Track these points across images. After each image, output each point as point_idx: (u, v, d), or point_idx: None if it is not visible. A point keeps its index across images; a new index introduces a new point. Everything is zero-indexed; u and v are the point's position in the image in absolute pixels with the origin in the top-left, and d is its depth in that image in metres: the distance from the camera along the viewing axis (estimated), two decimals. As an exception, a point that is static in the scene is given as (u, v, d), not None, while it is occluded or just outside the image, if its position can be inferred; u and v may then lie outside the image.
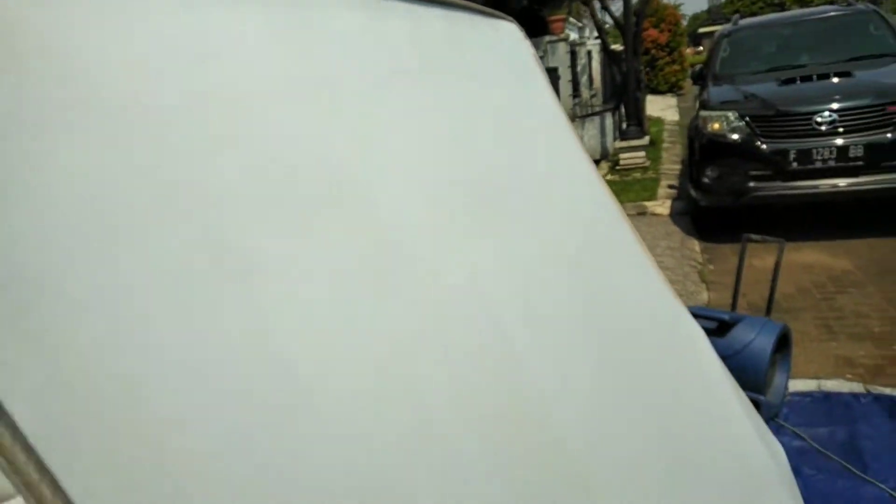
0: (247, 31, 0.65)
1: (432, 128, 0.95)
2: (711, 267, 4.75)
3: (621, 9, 7.77)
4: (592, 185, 1.72)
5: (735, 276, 3.08)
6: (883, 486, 2.26)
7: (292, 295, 0.54)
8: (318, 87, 0.72)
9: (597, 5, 9.22)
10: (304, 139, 0.64)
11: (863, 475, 2.34)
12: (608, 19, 9.18)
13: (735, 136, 4.94)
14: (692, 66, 19.21)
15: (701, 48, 33.31)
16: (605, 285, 1.43)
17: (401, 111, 0.88)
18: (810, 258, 4.53)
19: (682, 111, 14.40)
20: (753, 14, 13.71)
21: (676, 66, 18.07)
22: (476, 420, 0.67)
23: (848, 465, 2.41)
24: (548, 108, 1.76)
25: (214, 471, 0.42)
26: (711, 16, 41.19)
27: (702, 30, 37.21)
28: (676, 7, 19.53)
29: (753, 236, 3.02)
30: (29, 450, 0.35)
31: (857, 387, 2.91)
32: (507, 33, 1.69)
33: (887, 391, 2.83)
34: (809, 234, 4.77)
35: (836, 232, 4.89)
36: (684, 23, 21.82)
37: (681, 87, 18.12)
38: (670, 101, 16.60)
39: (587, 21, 13.09)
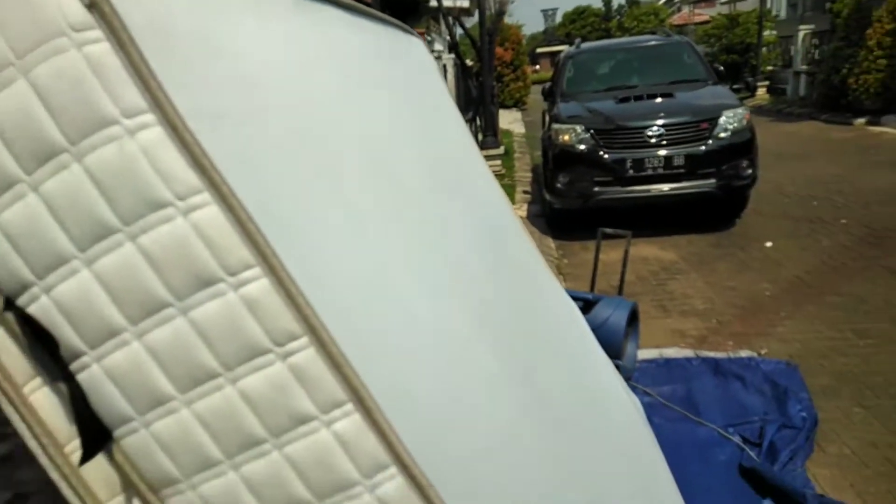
0: (308, 47, 0.88)
1: (408, 123, 1.21)
2: (566, 261, 5.35)
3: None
4: (489, 177, 2.05)
5: (593, 263, 3.59)
6: (713, 426, 2.82)
7: (383, 231, 0.78)
8: (350, 92, 0.96)
9: (451, 21, 9.78)
10: (362, 137, 0.88)
11: (698, 420, 2.88)
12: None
13: (582, 147, 5.60)
14: (534, 83, 20.72)
15: (538, 67, 35.83)
16: (515, 258, 1.75)
17: (392, 107, 1.12)
18: (645, 252, 5.27)
19: (527, 124, 15.52)
20: (584, 37, 15.15)
21: (520, 83, 19.42)
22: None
23: (687, 413, 2.95)
24: (453, 109, 2.07)
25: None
26: (547, 37, 44.47)
27: (539, 50, 40.08)
28: (518, 27, 20.99)
29: (607, 230, 3.55)
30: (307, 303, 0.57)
31: (689, 353, 3.52)
32: (418, 45, 1.98)
33: (711, 354, 3.47)
34: (643, 232, 5.53)
35: (664, 230, 5.71)
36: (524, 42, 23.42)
37: (524, 103, 19.49)
38: (516, 115, 17.82)
39: (436, 35, 13.70)
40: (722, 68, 6.95)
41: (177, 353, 0.59)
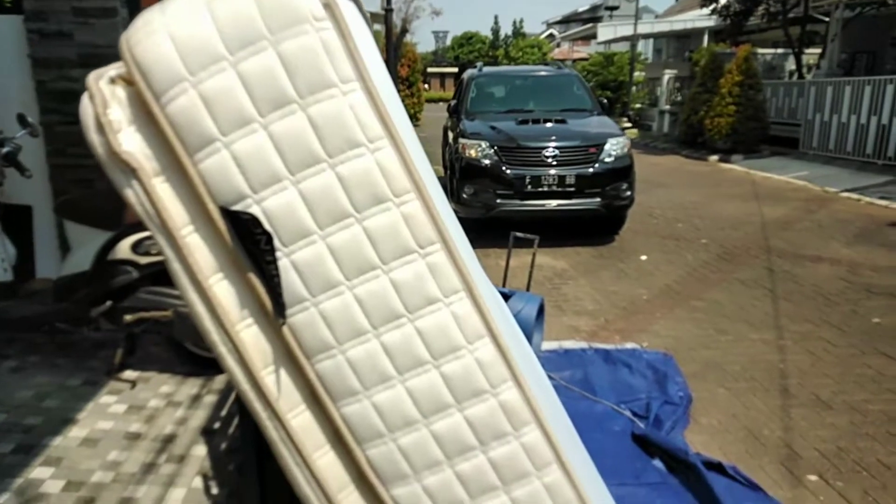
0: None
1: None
2: (470, 267, 5.75)
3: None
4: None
5: (505, 262, 3.98)
6: (607, 402, 3.27)
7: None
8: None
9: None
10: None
11: (595, 398, 3.32)
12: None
13: (487, 162, 6.06)
14: (426, 101, 21.28)
15: (428, 86, 36.72)
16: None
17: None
18: (540, 261, 5.78)
19: (421, 139, 15.96)
20: (471, 61, 15.89)
21: (415, 100, 19.96)
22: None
23: (585, 393, 3.39)
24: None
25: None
26: (437, 58, 45.68)
27: (429, 70, 41.05)
28: (413, 46, 21.60)
29: (518, 234, 3.96)
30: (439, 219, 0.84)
31: (583, 344, 4.00)
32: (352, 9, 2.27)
33: (602, 346, 3.96)
34: (539, 243, 6.06)
35: (556, 241, 6.29)
36: (418, 61, 24.02)
37: (418, 119, 20.03)
38: (409, 130, 18.22)
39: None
40: (606, 101, 7.75)
41: (351, 250, 0.84)
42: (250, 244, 0.81)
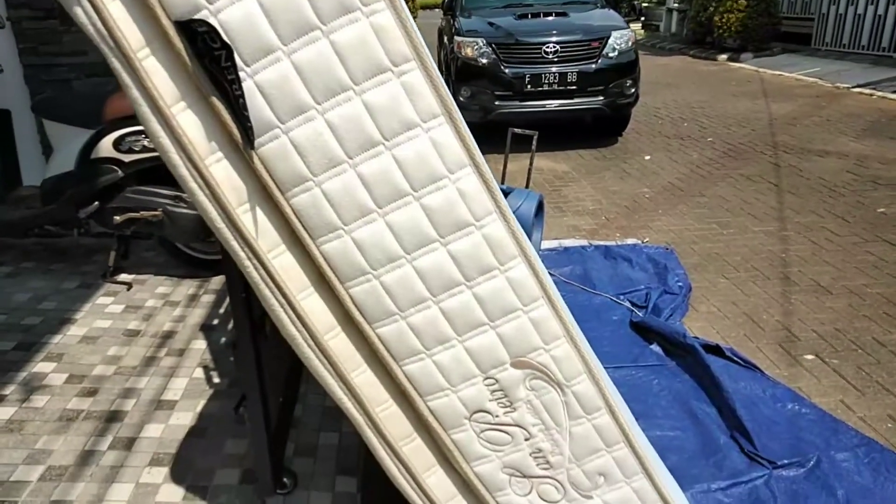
0: None
1: None
2: (468, 170, 5.63)
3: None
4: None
5: (503, 160, 3.88)
6: (606, 294, 3.26)
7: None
8: None
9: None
10: None
11: (594, 291, 3.32)
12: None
13: (484, 61, 5.81)
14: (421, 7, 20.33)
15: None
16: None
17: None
18: (541, 164, 5.66)
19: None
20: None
21: (409, 5, 19.12)
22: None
23: (584, 287, 3.38)
24: None
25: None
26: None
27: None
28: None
29: (516, 129, 3.83)
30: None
31: (583, 242, 3.96)
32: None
33: (602, 243, 3.92)
34: (539, 147, 5.92)
35: (557, 145, 6.14)
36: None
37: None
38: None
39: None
40: (611, -5, 7.35)
41: (319, 68, 0.76)
42: (209, 62, 0.73)
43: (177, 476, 1.87)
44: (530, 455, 1.05)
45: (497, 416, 1.02)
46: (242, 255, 0.87)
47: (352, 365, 0.98)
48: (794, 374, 2.60)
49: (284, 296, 0.89)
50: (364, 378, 1.00)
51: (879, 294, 3.19)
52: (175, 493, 1.81)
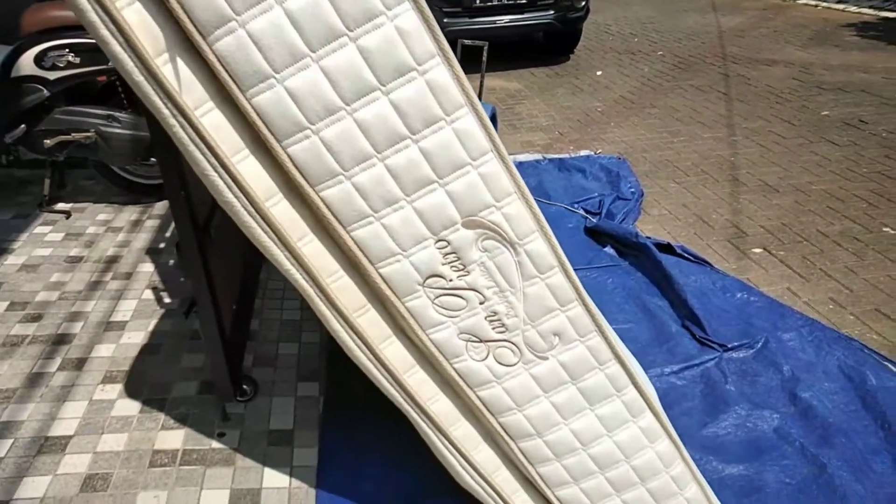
0: None
1: None
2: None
3: None
4: None
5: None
6: (560, 204, 3.27)
7: None
8: None
9: None
10: None
11: (548, 202, 3.32)
12: None
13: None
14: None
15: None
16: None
17: None
18: (493, 83, 5.56)
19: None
20: None
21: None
22: None
23: (539, 199, 3.38)
24: None
25: None
26: None
27: None
28: None
29: (466, 41, 3.72)
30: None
31: (537, 156, 3.94)
32: None
33: (555, 156, 3.91)
34: (490, 66, 5.80)
35: (509, 64, 6.02)
36: None
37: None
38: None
39: None
40: None
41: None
42: None
43: (132, 391, 1.83)
44: (486, 319, 1.04)
45: (451, 281, 1.00)
46: (166, 111, 0.80)
47: (297, 233, 0.94)
48: (742, 266, 2.67)
49: (217, 158, 0.83)
50: (312, 248, 0.96)
51: (824, 190, 3.28)
52: (131, 406, 1.77)
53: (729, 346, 2.18)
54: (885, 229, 2.88)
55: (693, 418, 1.93)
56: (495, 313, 1.04)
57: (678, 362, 2.14)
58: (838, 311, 2.36)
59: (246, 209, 0.89)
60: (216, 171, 0.85)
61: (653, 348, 2.23)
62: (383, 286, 0.99)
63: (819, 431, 1.85)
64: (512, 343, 1.08)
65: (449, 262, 0.99)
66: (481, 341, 1.07)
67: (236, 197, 0.87)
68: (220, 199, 0.89)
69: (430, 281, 1.00)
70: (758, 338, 2.20)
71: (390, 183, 0.90)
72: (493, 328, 1.06)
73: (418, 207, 0.93)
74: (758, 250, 2.78)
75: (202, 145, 0.83)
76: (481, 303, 1.03)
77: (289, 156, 0.86)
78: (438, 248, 0.97)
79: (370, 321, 1.04)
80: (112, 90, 2.82)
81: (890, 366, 2.07)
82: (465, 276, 1.00)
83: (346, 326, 1.02)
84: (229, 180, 0.85)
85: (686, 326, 2.32)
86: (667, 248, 2.74)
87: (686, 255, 2.69)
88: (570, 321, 1.08)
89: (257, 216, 0.90)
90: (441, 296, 1.02)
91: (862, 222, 2.95)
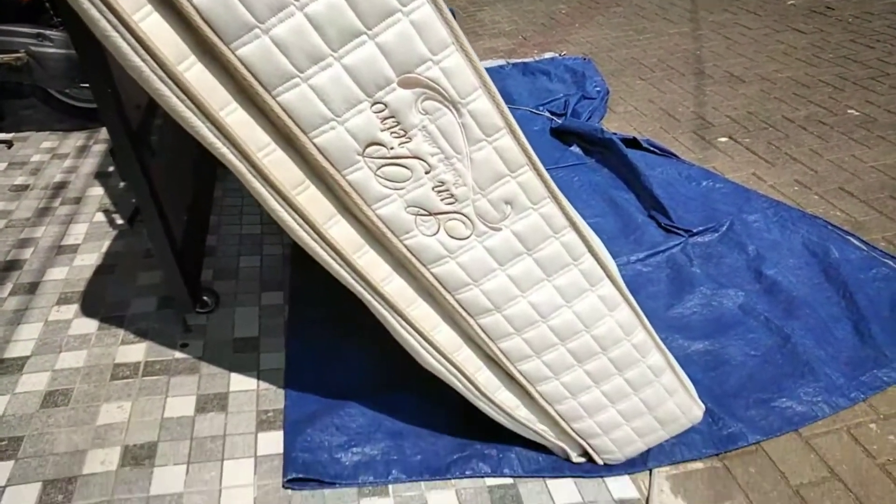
0: None
1: None
2: None
3: None
4: None
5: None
6: (526, 107, 3.18)
7: None
8: None
9: None
10: None
11: (513, 106, 3.23)
12: None
13: None
14: None
15: None
16: None
17: None
18: (452, -8, 5.33)
19: None
20: None
21: None
22: None
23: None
24: None
25: None
26: None
27: None
28: None
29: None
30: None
31: (501, 62, 3.81)
32: None
33: (519, 60, 3.79)
34: (449, -28, 5.53)
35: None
36: None
37: None
38: None
39: None
40: None
41: None
42: None
43: (88, 310, 1.78)
44: (433, 189, 0.99)
45: (392, 149, 0.95)
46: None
47: (218, 101, 0.87)
48: (708, 156, 2.65)
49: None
50: (235, 117, 0.89)
51: (789, 77, 3.23)
52: (89, 325, 1.73)
53: (694, 230, 2.18)
54: (849, 111, 2.86)
55: (659, 301, 1.94)
56: (443, 182, 0.99)
57: (644, 250, 2.13)
58: (803, 192, 2.36)
59: (154, 72, 0.82)
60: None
61: (619, 239, 2.22)
62: (320, 158, 0.93)
63: (783, 305, 1.88)
64: (463, 214, 1.03)
65: (388, 128, 0.93)
66: (431, 214, 1.02)
67: (143, 60, 0.80)
68: (126, 64, 0.81)
69: (369, 150, 0.94)
70: (723, 221, 2.20)
71: (312, 35, 0.82)
72: (442, 199, 1.01)
73: (347, 64, 0.86)
74: (723, 139, 2.75)
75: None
76: (427, 172, 0.98)
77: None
78: (375, 112, 0.91)
79: (310, 198, 0.99)
80: (39, 7, 2.62)
81: (852, 239, 2.09)
82: (406, 142, 0.95)
83: (285, 205, 0.97)
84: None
85: (652, 216, 2.30)
86: (633, 143, 2.69)
87: (652, 147, 2.65)
88: (522, 187, 1.04)
89: (167, 79, 0.83)
90: (383, 166, 0.96)
91: (827, 106, 2.92)
